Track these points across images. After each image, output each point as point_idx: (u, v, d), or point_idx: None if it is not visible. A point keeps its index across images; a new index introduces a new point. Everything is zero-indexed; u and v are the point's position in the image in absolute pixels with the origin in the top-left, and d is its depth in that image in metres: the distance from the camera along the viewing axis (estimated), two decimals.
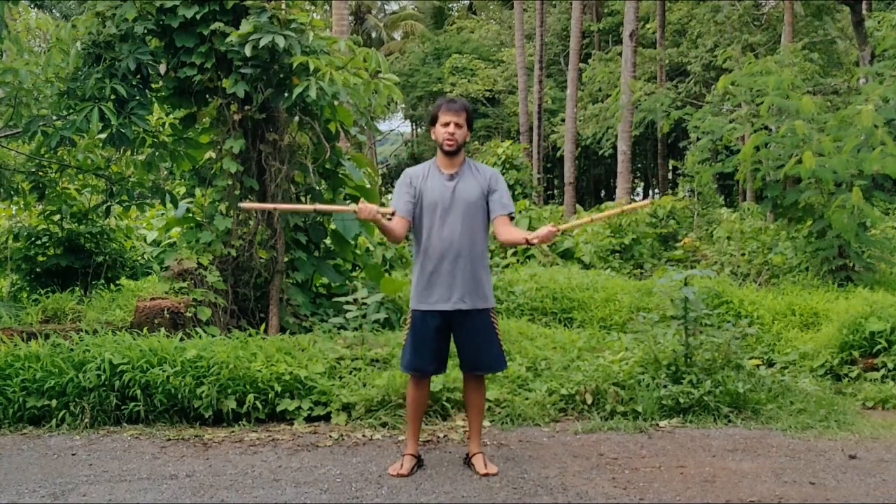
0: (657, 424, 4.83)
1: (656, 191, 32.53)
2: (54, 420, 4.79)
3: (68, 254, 8.15)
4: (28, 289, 8.08)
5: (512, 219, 3.98)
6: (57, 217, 8.13)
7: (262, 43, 5.89)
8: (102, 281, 8.31)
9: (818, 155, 8.35)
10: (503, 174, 18.12)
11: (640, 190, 37.95)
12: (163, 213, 11.79)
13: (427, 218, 3.90)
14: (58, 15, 25.52)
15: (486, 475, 3.91)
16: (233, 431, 4.72)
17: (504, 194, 3.96)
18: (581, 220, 4.15)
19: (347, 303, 5.97)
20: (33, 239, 8.16)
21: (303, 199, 6.94)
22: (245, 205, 4.23)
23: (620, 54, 22.36)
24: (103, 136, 6.42)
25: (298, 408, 4.89)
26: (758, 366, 5.66)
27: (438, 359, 3.97)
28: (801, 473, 3.99)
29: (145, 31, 6.22)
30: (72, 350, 5.00)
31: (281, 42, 5.89)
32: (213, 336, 5.54)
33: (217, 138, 6.63)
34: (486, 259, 3.98)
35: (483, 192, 3.93)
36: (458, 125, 3.88)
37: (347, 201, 7.12)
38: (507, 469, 4.03)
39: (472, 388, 4.06)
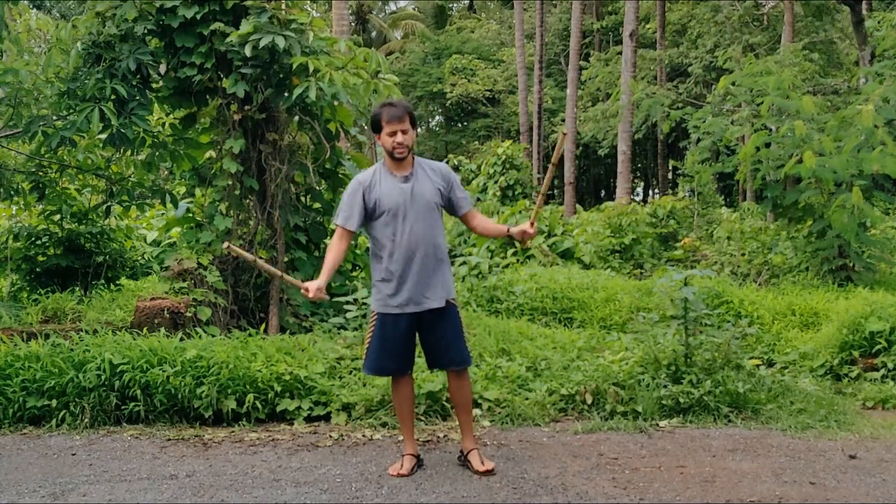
0: (657, 424, 4.83)
1: (656, 191, 32.53)
2: (54, 420, 4.79)
3: (68, 254, 8.15)
4: (28, 289, 8.09)
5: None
6: (57, 217, 8.13)
7: (262, 43, 5.89)
8: (102, 281, 8.31)
9: (818, 155, 8.35)
10: (503, 174, 18.16)
11: (640, 190, 37.94)
12: (163, 213, 11.79)
13: (388, 223, 3.88)
14: (57, 15, 25.51)
15: (485, 473, 3.91)
16: (233, 431, 4.72)
17: (461, 188, 4.03)
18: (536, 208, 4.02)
19: (347, 303, 5.98)
20: (33, 239, 8.16)
21: (303, 198, 6.95)
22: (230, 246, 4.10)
23: (620, 54, 22.37)
24: (103, 136, 6.42)
25: (298, 408, 4.89)
26: (758, 366, 5.66)
27: (405, 359, 3.99)
28: (801, 473, 3.99)
29: (145, 32, 6.23)
30: (72, 350, 5.00)
31: (281, 42, 5.89)
32: (213, 336, 5.54)
33: (217, 138, 6.63)
34: (446, 253, 4.02)
35: (439, 190, 3.95)
36: (403, 131, 3.86)
37: None
38: (507, 469, 4.03)
39: (453, 385, 4.06)
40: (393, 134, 3.85)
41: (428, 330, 3.95)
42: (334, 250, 3.94)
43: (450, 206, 4.02)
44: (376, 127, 3.92)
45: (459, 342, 3.97)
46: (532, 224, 3.91)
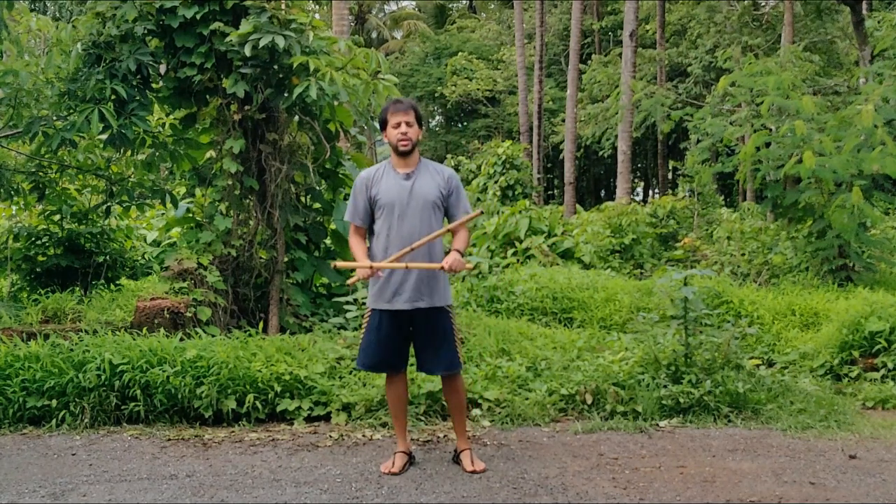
0: (657, 424, 4.83)
1: (656, 191, 32.53)
2: (54, 420, 4.79)
3: (68, 254, 8.14)
4: (28, 289, 8.08)
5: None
6: (57, 217, 8.12)
7: (261, 43, 5.89)
8: (102, 281, 8.30)
9: (818, 155, 8.35)
10: (503, 174, 18.14)
11: (639, 190, 37.94)
12: (163, 213, 11.79)
13: (385, 219, 3.93)
14: (55, 14, 25.48)
15: (473, 472, 3.95)
16: (233, 431, 4.73)
17: (462, 197, 4.03)
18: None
19: (347, 303, 5.98)
20: (33, 239, 8.15)
21: (303, 198, 6.95)
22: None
23: (620, 55, 22.38)
24: (104, 136, 6.42)
25: (298, 408, 4.89)
26: (758, 366, 5.67)
27: (398, 357, 4.02)
28: (801, 473, 3.99)
29: (145, 32, 6.22)
30: (72, 350, 5.00)
31: (281, 42, 5.89)
32: (213, 336, 5.54)
33: (217, 138, 6.63)
34: (444, 256, 3.99)
35: (441, 191, 3.97)
36: (408, 124, 3.90)
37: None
38: (507, 469, 4.03)
39: (446, 388, 4.11)
40: (397, 126, 3.90)
41: (418, 332, 3.98)
42: (353, 245, 4.02)
43: (444, 206, 4.02)
44: (383, 123, 3.97)
45: (450, 348, 3.98)
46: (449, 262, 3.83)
